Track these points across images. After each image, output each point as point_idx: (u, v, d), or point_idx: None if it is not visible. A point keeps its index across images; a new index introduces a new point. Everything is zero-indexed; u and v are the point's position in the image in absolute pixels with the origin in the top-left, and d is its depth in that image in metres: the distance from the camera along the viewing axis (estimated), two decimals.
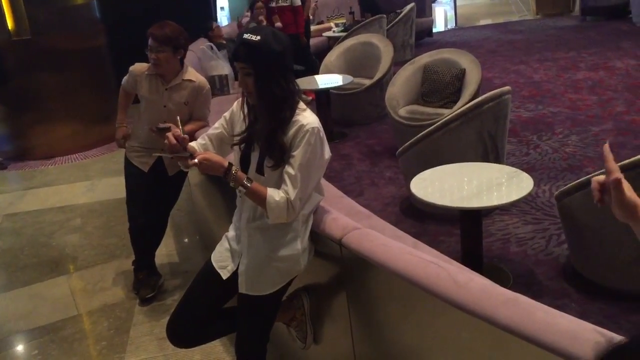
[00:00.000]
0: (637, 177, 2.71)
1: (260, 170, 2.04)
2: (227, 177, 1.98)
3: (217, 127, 2.23)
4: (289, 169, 1.97)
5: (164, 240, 3.69)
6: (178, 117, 2.21)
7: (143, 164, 3.37)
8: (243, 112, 2.12)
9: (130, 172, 3.42)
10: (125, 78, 3.39)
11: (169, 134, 2.02)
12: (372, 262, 1.85)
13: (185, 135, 2.05)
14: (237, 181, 1.97)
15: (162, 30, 3.09)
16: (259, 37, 1.92)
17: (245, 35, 1.94)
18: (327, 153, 2.06)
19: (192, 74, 3.31)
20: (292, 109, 1.99)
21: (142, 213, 3.38)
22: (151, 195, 3.39)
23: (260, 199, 1.99)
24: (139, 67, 3.31)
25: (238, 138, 2.12)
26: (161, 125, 3.09)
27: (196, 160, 1.96)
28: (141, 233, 3.44)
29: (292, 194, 1.96)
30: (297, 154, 1.96)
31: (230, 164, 1.99)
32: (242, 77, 1.98)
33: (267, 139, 2.00)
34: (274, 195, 1.97)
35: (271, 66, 1.94)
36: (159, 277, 3.62)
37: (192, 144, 2.19)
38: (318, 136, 1.98)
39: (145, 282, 3.51)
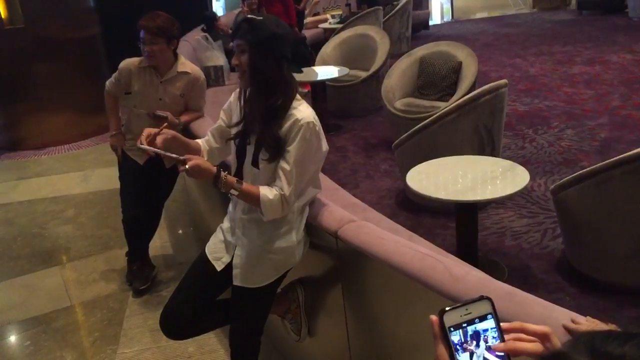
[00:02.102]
0: (634, 171, 2.72)
1: (255, 163, 2.03)
2: (217, 183, 1.97)
3: (218, 121, 2.24)
4: (283, 164, 1.96)
5: (158, 231, 3.67)
6: (168, 115, 2.19)
7: (139, 157, 3.30)
8: (240, 103, 2.10)
9: (125, 164, 3.37)
10: (110, 81, 3.28)
11: (159, 137, 2.01)
12: (368, 254, 1.83)
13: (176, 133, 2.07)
14: (227, 186, 1.97)
15: (154, 22, 3.02)
16: (261, 17, 1.95)
17: (250, 15, 1.96)
18: (324, 146, 2.04)
19: (186, 65, 3.25)
20: (285, 98, 1.97)
21: (135, 205, 3.35)
22: (145, 187, 3.35)
23: (253, 200, 1.98)
24: (129, 62, 3.22)
25: (234, 132, 2.10)
26: (159, 113, 3.05)
27: (187, 167, 1.94)
28: (135, 225, 3.41)
29: (287, 189, 1.95)
30: (292, 149, 1.94)
31: (219, 170, 1.97)
32: (237, 55, 1.98)
33: (261, 131, 1.98)
34: (267, 194, 1.96)
35: (266, 46, 1.94)
36: (153, 269, 3.60)
37: (198, 141, 2.22)
38: (314, 130, 1.96)
39: (139, 273, 3.49)
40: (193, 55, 5.58)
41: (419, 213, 3.95)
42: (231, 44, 2.25)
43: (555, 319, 1.37)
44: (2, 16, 6.13)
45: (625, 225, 2.83)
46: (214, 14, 6.97)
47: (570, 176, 2.98)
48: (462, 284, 1.55)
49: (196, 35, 6.09)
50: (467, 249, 3.14)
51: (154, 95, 3.19)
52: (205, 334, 2.43)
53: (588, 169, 2.90)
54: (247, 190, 1.98)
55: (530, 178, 2.98)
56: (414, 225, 3.78)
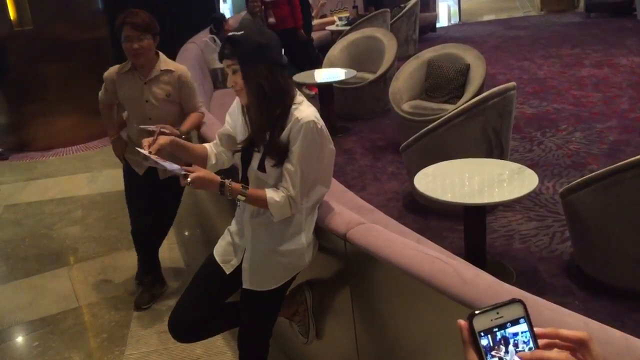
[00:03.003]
0: None
1: (261, 168, 2.03)
2: (223, 192, 1.97)
3: (225, 125, 2.24)
4: (288, 165, 1.96)
5: None
6: (157, 129, 2.19)
7: (138, 167, 3.22)
8: (244, 117, 2.10)
9: (128, 171, 3.29)
10: (101, 90, 3.19)
11: (154, 147, 2.02)
12: (376, 257, 1.83)
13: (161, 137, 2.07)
14: (234, 193, 1.98)
15: (140, 18, 2.93)
16: (242, 32, 1.93)
17: (230, 33, 1.96)
18: (330, 144, 2.04)
19: (169, 64, 3.13)
20: (285, 106, 1.97)
21: (143, 215, 3.28)
22: (149, 197, 3.27)
23: (261, 203, 1.99)
24: (111, 71, 3.13)
25: (241, 146, 2.10)
26: (149, 128, 2.75)
27: (188, 180, 1.94)
28: (142, 235, 3.33)
29: (293, 190, 1.96)
30: (295, 149, 1.94)
31: (222, 178, 1.97)
32: (230, 76, 1.98)
33: (267, 142, 1.98)
34: (274, 196, 1.96)
35: (256, 58, 1.92)
36: (163, 286, 3.50)
37: (206, 145, 2.23)
38: (315, 128, 1.95)
39: (149, 288, 3.42)
40: (200, 57, 5.59)
41: (427, 216, 3.94)
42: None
43: (566, 323, 1.36)
44: (12, 18, 6.17)
45: (635, 229, 2.81)
46: (223, 16, 6.99)
47: (580, 179, 2.96)
48: (472, 287, 1.54)
49: (204, 37, 6.10)
50: (475, 252, 3.12)
51: (140, 98, 3.07)
52: (213, 336, 2.43)
53: (598, 171, 2.88)
54: (254, 194, 1.99)
55: (538, 181, 2.96)
56: (422, 228, 3.77)
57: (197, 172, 1.95)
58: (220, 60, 2.01)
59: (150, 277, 3.44)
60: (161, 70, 3.07)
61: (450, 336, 1.69)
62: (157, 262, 3.50)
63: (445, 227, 3.78)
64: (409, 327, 1.87)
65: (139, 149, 2.02)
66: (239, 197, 1.98)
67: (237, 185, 1.98)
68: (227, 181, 1.97)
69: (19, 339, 3.25)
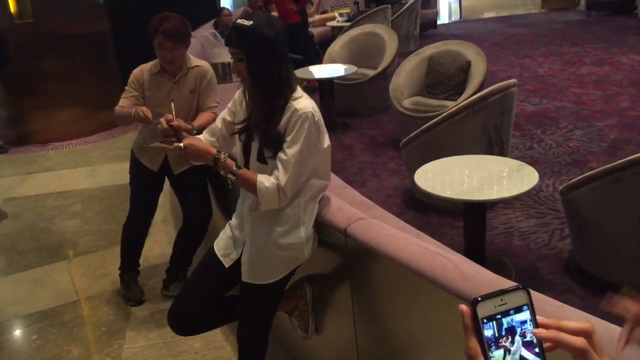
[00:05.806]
0: None
1: (261, 159, 2.03)
2: (216, 165, 1.98)
3: (221, 121, 2.23)
4: (281, 155, 1.96)
5: (164, 228, 3.67)
6: (172, 104, 2.19)
7: (152, 164, 3.16)
8: (245, 100, 2.10)
9: (138, 168, 3.22)
10: (127, 95, 3.02)
11: (162, 119, 2.04)
12: (377, 252, 1.83)
13: (176, 122, 2.15)
14: (226, 169, 1.98)
15: (173, 27, 2.87)
16: (251, 22, 1.91)
17: (239, 20, 1.95)
18: (326, 140, 2.04)
19: (196, 61, 3.16)
20: (286, 98, 1.97)
21: (144, 210, 3.30)
22: (155, 195, 3.29)
23: (250, 185, 1.99)
24: (143, 70, 3.03)
25: (238, 127, 2.11)
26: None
27: (181, 144, 1.93)
28: (137, 228, 3.36)
29: (283, 179, 1.95)
30: (290, 139, 1.94)
31: (218, 152, 1.98)
32: (234, 63, 1.98)
33: (263, 131, 1.99)
34: (264, 181, 1.96)
35: (262, 52, 1.92)
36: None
37: (201, 136, 2.23)
38: (312, 121, 1.95)
39: (134, 283, 3.41)
40: (201, 52, 5.58)
41: (426, 212, 3.94)
42: None
43: (567, 319, 1.36)
44: (12, 11, 6.15)
45: (635, 227, 2.81)
46: (221, 9, 6.99)
47: (580, 176, 2.96)
48: (473, 282, 1.54)
49: (204, 31, 6.10)
50: (475, 249, 3.12)
51: (167, 98, 3.01)
52: (212, 330, 2.43)
53: (598, 169, 2.88)
54: (245, 175, 1.99)
55: (538, 178, 2.96)
56: (421, 224, 3.77)
57: (192, 139, 1.96)
58: (227, 44, 2.00)
59: (131, 274, 3.43)
60: (188, 68, 3.07)
61: (450, 331, 1.69)
62: (138, 259, 3.48)
63: (445, 223, 3.78)
64: (408, 322, 1.87)
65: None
66: (230, 175, 1.99)
67: (231, 162, 2.00)
68: (222, 155, 1.98)
69: (18, 332, 3.25)
